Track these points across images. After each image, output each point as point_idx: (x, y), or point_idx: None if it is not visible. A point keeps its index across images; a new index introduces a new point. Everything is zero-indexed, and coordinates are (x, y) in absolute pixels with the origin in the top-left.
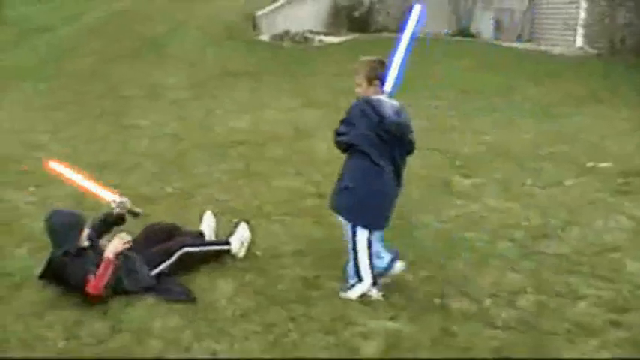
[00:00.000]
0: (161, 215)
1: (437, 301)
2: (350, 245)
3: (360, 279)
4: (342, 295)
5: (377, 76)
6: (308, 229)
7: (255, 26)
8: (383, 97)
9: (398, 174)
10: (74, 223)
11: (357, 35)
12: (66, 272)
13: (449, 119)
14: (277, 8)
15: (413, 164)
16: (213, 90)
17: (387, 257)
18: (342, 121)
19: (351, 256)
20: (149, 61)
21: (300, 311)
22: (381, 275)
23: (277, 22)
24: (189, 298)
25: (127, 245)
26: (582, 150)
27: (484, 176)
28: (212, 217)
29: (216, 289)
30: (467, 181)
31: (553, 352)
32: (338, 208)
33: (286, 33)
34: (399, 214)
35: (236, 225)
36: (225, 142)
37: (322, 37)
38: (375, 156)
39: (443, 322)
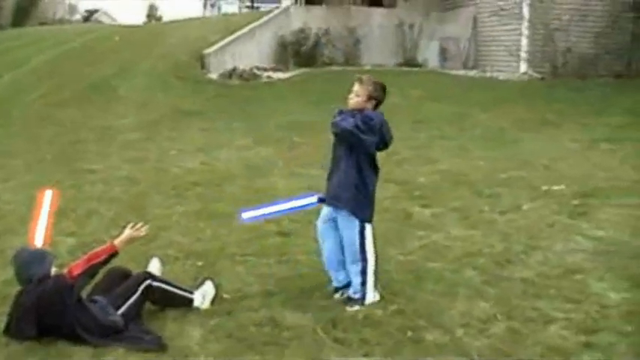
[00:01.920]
0: (121, 260)
1: (409, 334)
2: (357, 247)
3: (363, 287)
4: (350, 309)
5: (376, 97)
6: (273, 269)
7: (203, 65)
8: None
9: None
10: (42, 254)
11: (304, 70)
12: (44, 298)
13: (403, 150)
14: (225, 45)
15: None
16: (165, 131)
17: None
18: (365, 124)
19: (359, 260)
20: (99, 103)
21: (273, 354)
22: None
23: (225, 59)
24: (160, 345)
25: (143, 234)
26: (536, 174)
27: (443, 205)
28: (158, 263)
29: (186, 334)
30: (427, 211)
31: None
32: (346, 204)
33: (234, 70)
34: None
35: (202, 280)
36: (182, 182)
37: (270, 73)
38: (375, 160)
39: (417, 356)
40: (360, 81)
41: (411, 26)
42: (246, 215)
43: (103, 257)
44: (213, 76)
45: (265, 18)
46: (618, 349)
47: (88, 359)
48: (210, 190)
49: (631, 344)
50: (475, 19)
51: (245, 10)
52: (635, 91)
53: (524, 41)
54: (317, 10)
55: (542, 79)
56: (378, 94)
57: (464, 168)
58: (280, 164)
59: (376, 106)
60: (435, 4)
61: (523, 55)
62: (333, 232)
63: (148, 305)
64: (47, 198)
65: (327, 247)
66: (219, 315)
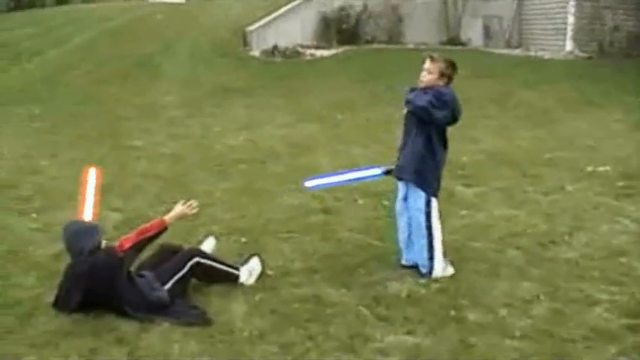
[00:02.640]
0: (167, 236)
1: (452, 313)
2: (422, 220)
3: (431, 261)
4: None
5: (448, 74)
6: (317, 246)
7: (245, 42)
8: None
9: None
10: (92, 227)
11: (346, 47)
12: (95, 269)
13: (451, 130)
14: (267, 23)
15: None
16: (208, 108)
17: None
18: (438, 100)
19: (425, 235)
20: (142, 80)
21: (316, 330)
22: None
23: (267, 37)
24: (205, 320)
25: (195, 211)
26: (580, 154)
27: (486, 185)
28: (214, 241)
29: (230, 310)
30: (469, 191)
31: (572, 358)
32: (412, 176)
33: (277, 48)
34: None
35: (249, 257)
36: (226, 160)
37: (313, 51)
38: (445, 135)
39: (460, 334)
40: (432, 58)
41: (455, 4)
42: (309, 183)
43: (152, 232)
44: (256, 53)
45: None
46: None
47: (134, 333)
48: (254, 168)
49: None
50: None
51: None
52: None
53: (570, 19)
54: None
55: (589, 58)
56: (450, 71)
57: (507, 147)
58: (323, 142)
59: (447, 83)
60: None
61: (569, 33)
62: (406, 210)
63: (193, 280)
64: (92, 175)
65: (401, 224)
66: (263, 291)
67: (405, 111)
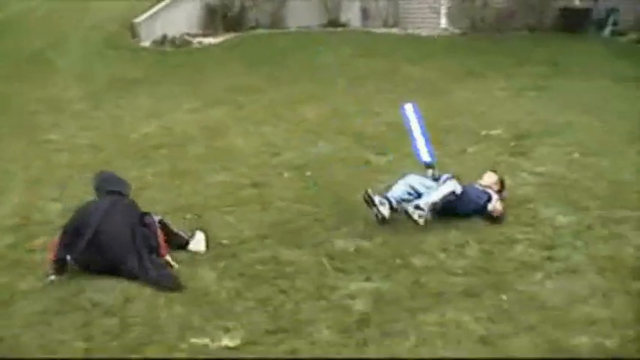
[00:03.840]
0: None
1: (398, 261)
2: None
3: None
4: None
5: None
6: (259, 215)
7: (134, 34)
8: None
9: None
10: (125, 180)
11: (232, 34)
12: (128, 208)
13: (347, 105)
14: (154, 14)
15: (328, 149)
16: (112, 99)
17: None
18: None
19: None
20: (37, 76)
21: (285, 285)
22: None
23: (155, 27)
24: (177, 285)
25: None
26: (473, 120)
27: (396, 152)
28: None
29: (200, 277)
30: (383, 158)
31: (509, 285)
32: None
33: (166, 37)
34: (337, 195)
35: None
36: (145, 146)
37: (201, 39)
38: None
39: (412, 277)
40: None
41: None
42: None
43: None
44: (146, 44)
45: None
46: (574, 259)
47: (119, 305)
48: (175, 151)
49: (584, 255)
50: None
51: None
52: (549, 43)
53: None
54: None
55: (464, 34)
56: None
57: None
58: (233, 124)
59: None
60: None
61: (443, 11)
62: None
63: None
64: None
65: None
66: (224, 258)
67: None
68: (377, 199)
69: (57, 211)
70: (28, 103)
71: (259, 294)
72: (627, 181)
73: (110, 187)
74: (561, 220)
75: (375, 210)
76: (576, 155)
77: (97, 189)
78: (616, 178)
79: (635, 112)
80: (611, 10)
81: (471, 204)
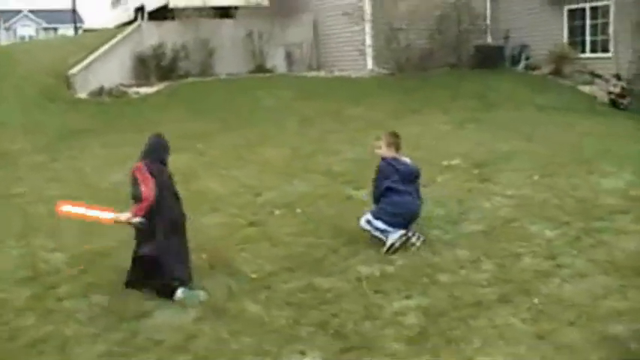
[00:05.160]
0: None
1: (425, 280)
2: None
3: None
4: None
5: (393, 143)
6: (272, 251)
7: (69, 85)
8: (397, 156)
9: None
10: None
11: (166, 83)
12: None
13: (306, 145)
14: (87, 65)
15: (306, 187)
16: (66, 151)
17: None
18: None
19: None
20: None
21: (334, 309)
22: None
23: (89, 78)
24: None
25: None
26: (429, 153)
27: (358, 188)
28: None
29: (246, 309)
30: (361, 192)
31: (535, 291)
32: None
33: (103, 88)
34: (336, 228)
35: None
36: (121, 195)
37: (136, 89)
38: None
39: (445, 291)
40: (377, 139)
41: (259, 34)
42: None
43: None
44: (82, 95)
45: (120, 36)
46: (578, 265)
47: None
48: None
49: (585, 260)
50: (315, 24)
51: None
52: (472, 79)
53: (368, 41)
54: (168, 25)
55: (391, 74)
56: (393, 139)
57: (366, 155)
58: (201, 169)
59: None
60: (278, 12)
61: (370, 54)
62: None
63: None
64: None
65: None
66: (261, 290)
67: None
68: (410, 234)
69: (63, 260)
70: None
71: (314, 319)
72: (588, 198)
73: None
74: (549, 234)
75: (409, 243)
76: (536, 178)
77: (153, 152)
78: (578, 196)
79: (567, 138)
80: (523, 47)
81: None
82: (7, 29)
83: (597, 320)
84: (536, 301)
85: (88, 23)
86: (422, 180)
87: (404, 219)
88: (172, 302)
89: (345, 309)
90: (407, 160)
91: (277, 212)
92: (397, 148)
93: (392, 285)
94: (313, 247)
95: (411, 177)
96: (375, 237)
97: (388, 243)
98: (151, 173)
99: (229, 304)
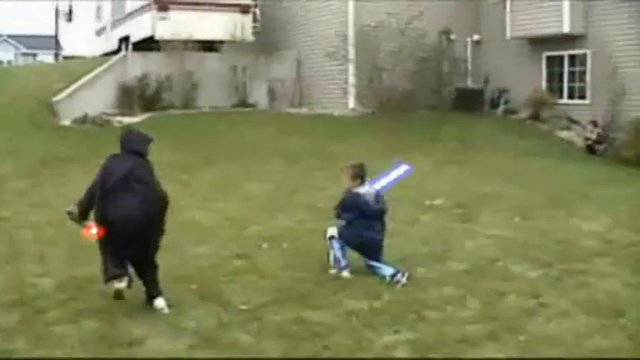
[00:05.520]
0: None
1: (413, 315)
2: None
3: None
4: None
5: (357, 174)
6: (261, 283)
7: (54, 112)
8: (362, 190)
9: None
10: (148, 138)
11: (149, 114)
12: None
13: (287, 181)
14: (72, 93)
15: (291, 222)
16: (50, 177)
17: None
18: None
19: None
20: None
21: (327, 342)
22: None
23: (73, 106)
24: None
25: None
26: (413, 192)
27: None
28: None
29: (238, 339)
30: None
31: (521, 328)
32: None
33: (87, 116)
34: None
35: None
36: None
37: (119, 118)
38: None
39: (432, 327)
40: (342, 170)
41: (242, 69)
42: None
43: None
44: (66, 122)
45: (105, 66)
46: (562, 305)
47: None
48: None
49: (568, 300)
50: (299, 61)
51: (21, 58)
52: (452, 121)
53: (351, 80)
54: (153, 56)
55: (373, 113)
56: (357, 171)
57: None
58: (186, 200)
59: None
60: (262, 47)
61: (352, 92)
62: None
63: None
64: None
65: None
66: (252, 321)
67: None
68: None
69: (52, 286)
70: None
71: (306, 351)
72: (569, 239)
73: (134, 146)
74: (531, 274)
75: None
76: (517, 219)
77: (124, 145)
78: (558, 238)
79: (546, 181)
80: (502, 91)
81: None
82: None
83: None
84: (522, 338)
85: (69, 50)
86: (405, 219)
87: (361, 250)
88: (163, 329)
89: (337, 342)
90: (371, 192)
91: (264, 245)
92: (362, 180)
93: (381, 319)
94: (301, 280)
95: (373, 213)
96: (330, 255)
97: (336, 272)
98: (104, 167)
99: (221, 333)
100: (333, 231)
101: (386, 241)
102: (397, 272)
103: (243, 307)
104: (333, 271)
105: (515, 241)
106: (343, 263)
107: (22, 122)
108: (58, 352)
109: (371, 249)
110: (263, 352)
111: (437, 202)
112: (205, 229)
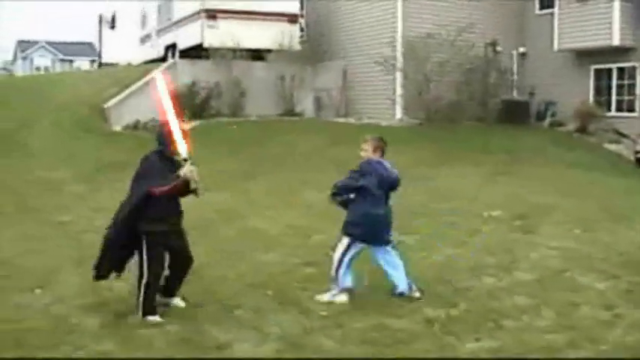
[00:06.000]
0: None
1: (491, 324)
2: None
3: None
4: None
5: (380, 147)
6: None
7: (105, 118)
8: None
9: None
10: None
11: (198, 121)
12: (150, 166)
13: None
14: (123, 99)
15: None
16: (107, 182)
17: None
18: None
19: None
20: (13, 156)
21: (410, 347)
22: None
23: (123, 112)
24: None
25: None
26: (468, 204)
27: (417, 232)
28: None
29: (323, 345)
30: (409, 236)
31: (600, 338)
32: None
33: (139, 122)
34: None
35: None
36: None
37: None
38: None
39: (513, 336)
40: (364, 141)
41: (290, 78)
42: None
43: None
44: (117, 128)
45: (154, 72)
46: (636, 316)
47: None
48: (206, 233)
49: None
50: (345, 71)
51: (58, 64)
52: (499, 134)
53: (399, 90)
54: (202, 64)
55: (420, 124)
56: (380, 144)
57: (408, 201)
58: (245, 208)
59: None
60: (309, 57)
61: (399, 103)
62: None
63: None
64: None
65: None
66: (335, 327)
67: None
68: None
69: (127, 290)
70: (17, 183)
71: (392, 356)
72: (631, 252)
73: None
74: (599, 286)
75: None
76: (577, 231)
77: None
78: (621, 250)
79: (597, 194)
80: (549, 103)
81: None
82: (24, 59)
83: None
84: (603, 348)
85: (110, 57)
86: (467, 230)
87: (366, 231)
88: (248, 334)
89: (421, 348)
90: (389, 166)
91: (331, 254)
92: (383, 153)
93: (460, 327)
94: (375, 289)
95: (388, 185)
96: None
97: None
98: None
99: (305, 338)
100: (345, 243)
101: (451, 251)
102: (409, 288)
103: (324, 313)
104: (325, 297)
105: (579, 253)
106: (348, 283)
107: (75, 128)
108: (153, 353)
109: (376, 228)
110: (350, 358)
111: (495, 213)
112: (271, 237)
